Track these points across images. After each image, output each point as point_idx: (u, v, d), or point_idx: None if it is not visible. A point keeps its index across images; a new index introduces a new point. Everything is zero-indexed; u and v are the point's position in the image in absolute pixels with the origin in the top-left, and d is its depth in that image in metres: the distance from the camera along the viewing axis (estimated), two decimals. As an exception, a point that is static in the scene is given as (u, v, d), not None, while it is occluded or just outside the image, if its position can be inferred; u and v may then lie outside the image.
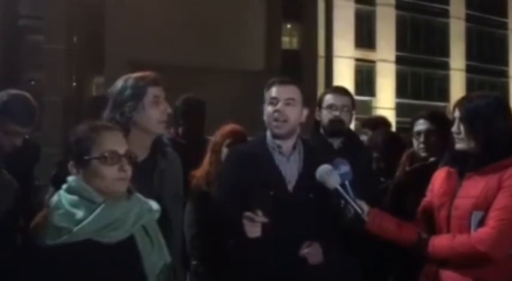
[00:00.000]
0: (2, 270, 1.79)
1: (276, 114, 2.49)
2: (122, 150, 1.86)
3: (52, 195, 2.16)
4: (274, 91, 2.53)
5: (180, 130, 3.82)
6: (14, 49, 20.33)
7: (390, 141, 3.70)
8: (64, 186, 1.86)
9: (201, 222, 3.05)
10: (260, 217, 2.24)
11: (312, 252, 2.41)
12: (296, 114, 2.51)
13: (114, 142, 1.86)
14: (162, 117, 2.37)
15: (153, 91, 2.36)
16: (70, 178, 1.86)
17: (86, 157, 1.82)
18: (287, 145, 2.53)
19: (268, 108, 2.53)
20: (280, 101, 2.49)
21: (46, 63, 19.95)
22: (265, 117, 2.55)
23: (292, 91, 2.53)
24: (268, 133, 2.56)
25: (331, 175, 2.34)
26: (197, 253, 3.08)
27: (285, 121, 2.49)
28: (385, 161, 3.60)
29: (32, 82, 19.22)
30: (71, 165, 1.86)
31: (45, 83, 19.89)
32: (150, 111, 2.34)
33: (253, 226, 2.26)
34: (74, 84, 21.79)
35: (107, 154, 1.82)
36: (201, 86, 10.41)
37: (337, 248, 2.62)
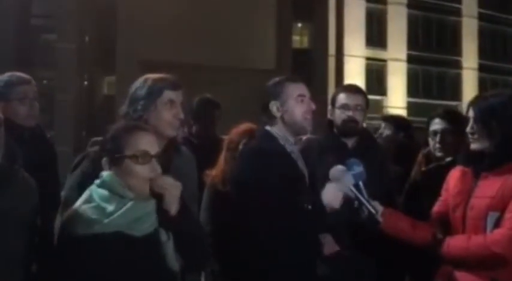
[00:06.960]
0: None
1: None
2: (153, 151, 1.96)
3: (67, 190, 2.28)
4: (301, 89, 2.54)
5: (194, 130, 3.87)
6: (26, 48, 20.46)
7: (403, 149, 3.72)
8: (97, 181, 1.96)
9: (215, 221, 3.03)
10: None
11: (325, 242, 2.47)
12: None
13: (146, 143, 1.96)
14: (173, 121, 2.39)
15: (169, 94, 2.39)
16: (104, 173, 1.97)
17: (118, 155, 1.93)
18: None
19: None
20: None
21: (58, 62, 20.08)
22: (297, 116, 2.50)
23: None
24: (276, 129, 2.51)
25: (344, 175, 2.33)
26: (212, 252, 3.06)
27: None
28: (396, 166, 3.61)
29: (44, 81, 19.35)
30: (104, 161, 1.97)
31: (57, 82, 20.02)
32: (162, 113, 2.36)
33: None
34: (86, 83, 21.93)
35: (138, 154, 1.92)
36: (212, 85, 10.43)
37: (352, 245, 2.61)
